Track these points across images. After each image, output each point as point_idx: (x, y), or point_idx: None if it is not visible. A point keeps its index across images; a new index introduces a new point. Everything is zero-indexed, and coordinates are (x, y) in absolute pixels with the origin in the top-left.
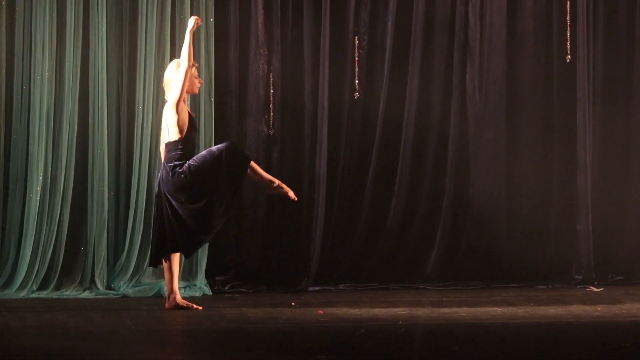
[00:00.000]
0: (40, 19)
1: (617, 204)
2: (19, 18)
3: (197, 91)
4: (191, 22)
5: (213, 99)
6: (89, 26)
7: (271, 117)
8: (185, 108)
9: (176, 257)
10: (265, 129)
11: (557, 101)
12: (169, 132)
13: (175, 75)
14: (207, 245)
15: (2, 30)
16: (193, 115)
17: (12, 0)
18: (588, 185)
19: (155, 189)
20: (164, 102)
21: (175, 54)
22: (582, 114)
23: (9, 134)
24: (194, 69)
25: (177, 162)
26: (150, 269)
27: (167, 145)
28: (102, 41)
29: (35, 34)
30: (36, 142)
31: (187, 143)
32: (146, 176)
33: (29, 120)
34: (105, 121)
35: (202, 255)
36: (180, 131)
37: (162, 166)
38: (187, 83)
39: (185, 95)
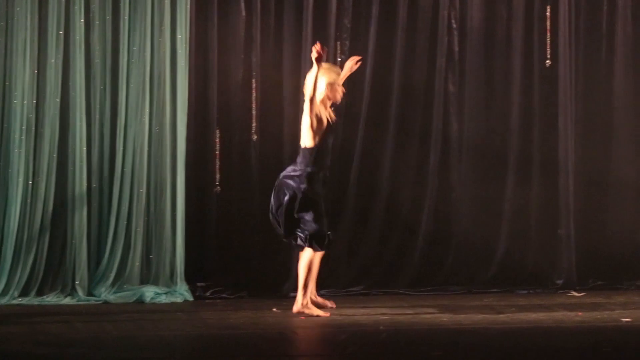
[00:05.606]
0: (21, 24)
1: (599, 209)
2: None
3: (339, 99)
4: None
5: (187, 105)
6: (70, 31)
7: (253, 122)
8: (325, 115)
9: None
10: (248, 135)
11: (539, 105)
12: (303, 135)
13: (320, 80)
14: (186, 251)
15: None
16: (333, 120)
17: None
18: (570, 189)
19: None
20: (146, 107)
21: (155, 59)
22: (564, 117)
23: None
24: (337, 75)
25: (309, 169)
26: (133, 275)
27: (302, 150)
28: (83, 46)
29: (16, 39)
30: (17, 148)
31: (320, 151)
32: (129, 182)
33: (10, 126)
34: (87, 127)
35: (182, 260)
36: (313, 137)
37: (296, 163)
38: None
39: (328, 103)
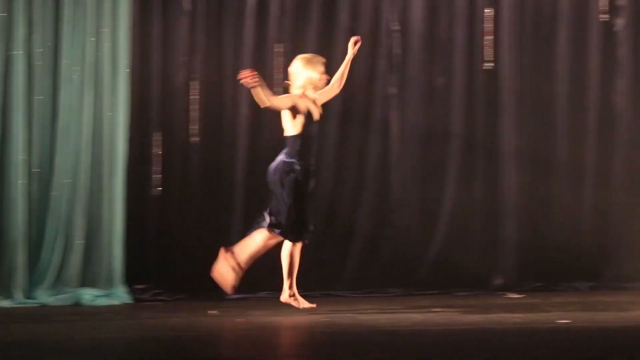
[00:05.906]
0: None
1: (539, 212)
2: None
3: (322, 87)
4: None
5: (128, 107)
6: (10, 32)
7: (194, 125)
8: (304, 105)
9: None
10: (187, 137)
11: (480, 106)
12: (285, 126)
13: (301, 71)
14: (124, 253)
15: None
16: (313, 111)
17: None
18: (511, 191)
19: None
20: (87, 109)
21: (96, 60)
22: (505, 118)
23: None
24: (321, 65)
25: (295, 160)
26: (72, 277)
27: (287, 138)
28: (24, 48)
29: None
30: None
31: (305, 138)
32: (68, 184)
33: None
34: (27, 129)
35: (121, 263)
36: (294, 126)
37: (279, 157)
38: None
39: (311, 92)
